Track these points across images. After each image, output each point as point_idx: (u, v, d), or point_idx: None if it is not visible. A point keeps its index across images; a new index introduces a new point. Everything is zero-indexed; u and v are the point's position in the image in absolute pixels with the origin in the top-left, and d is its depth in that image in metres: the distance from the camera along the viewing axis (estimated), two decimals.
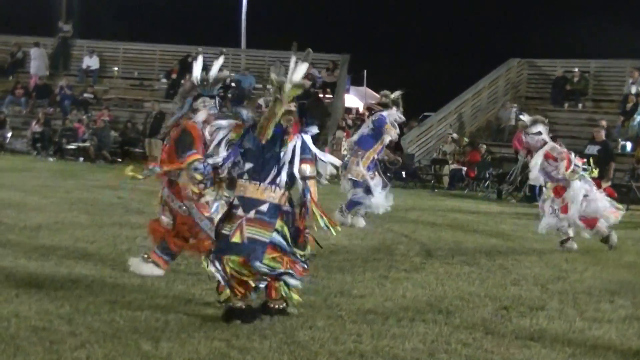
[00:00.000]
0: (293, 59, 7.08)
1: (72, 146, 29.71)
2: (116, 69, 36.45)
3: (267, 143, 7.11)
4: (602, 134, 22.94)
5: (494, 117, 31.70)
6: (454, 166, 27.60)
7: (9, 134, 31.00)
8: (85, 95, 33.19)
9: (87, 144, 29.34)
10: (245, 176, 7.16)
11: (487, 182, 25.79)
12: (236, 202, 7.18)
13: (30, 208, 13.85)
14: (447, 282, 9.48)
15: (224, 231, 7.10)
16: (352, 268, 10.07)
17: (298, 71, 7.03)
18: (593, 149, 20.99)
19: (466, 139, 29.20)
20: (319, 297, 8.23)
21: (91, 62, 35.42)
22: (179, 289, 8.19)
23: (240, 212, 7.07)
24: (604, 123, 26.15)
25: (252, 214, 7.02)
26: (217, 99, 8.77)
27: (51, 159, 28.72)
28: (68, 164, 27.32)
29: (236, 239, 6.97)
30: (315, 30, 45.72)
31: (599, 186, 13.56)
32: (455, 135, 29.33)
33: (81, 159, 29.03)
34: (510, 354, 6.55)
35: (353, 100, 39.84)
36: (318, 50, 35.64)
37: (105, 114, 30.97)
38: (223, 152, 7.25)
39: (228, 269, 6.99)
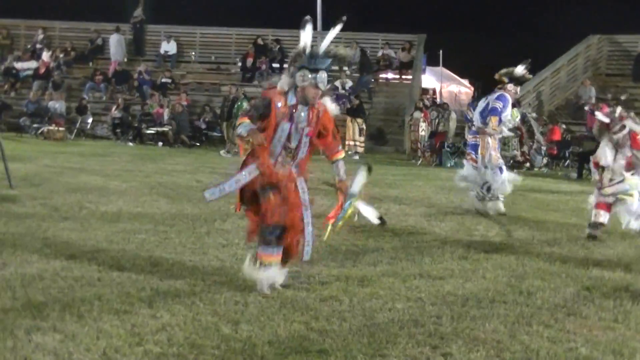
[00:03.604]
0: None
1: (151, 131, 30.02)
2: (193, 53, 36.76)
3: None
4: None
5: (574, 95, 31.23)
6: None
7: (90, 120, 31.47)
8: (164, 80, 33.53)
9: (165, 128, 29.63)
10: None
11: (567, 161, 25.46)
12: None
13: (111, 192, 14.03)
14: (528, 263, 9.37)
15: None
16: (431, 249, 10.01)
17: None
18: None
19: (545, 118, 28.82)
20: (397, 278, 8.20)
21: (169, 47, 35.77)
22: None
23: None
24: None
25: None
26: (324, 74, 7.50)
27: (131, 144, 29.08)
28: (147, 149, 27.63)
29: None
30: (391, 10, 45.57)
31: None
32: (534, 115, 28.98)
33: (160, 143, 29.31)
34: (593, 336, 6.44)
35: (429, 80, 39.66)
36: (394, 31, 35.67)
37: (184, 98, 31.24)
38: None
39: None
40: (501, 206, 13.76)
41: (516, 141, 25.68)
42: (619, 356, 5.98)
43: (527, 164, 25.56)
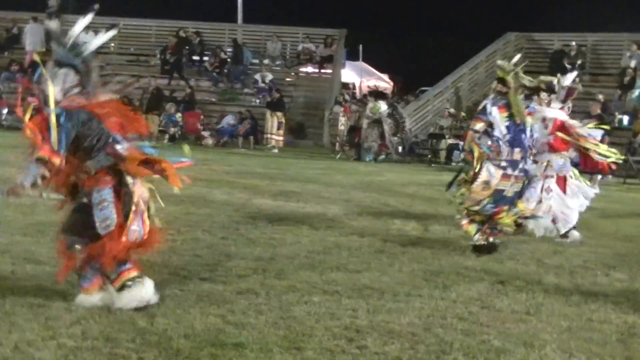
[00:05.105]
0: None
1: None
2: (112, 44, 36.32)
3: None
4: (598, 108, 22.99)
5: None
6: (450, 141, 27.61)
7: (5, 111, 30.92)
8: None
9: None
10: None
11: None
12: None
13: None
14: (444, 257, 9.48)
15: None
16: (349, 243, 10.07)
17: None
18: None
19: (464, 114, 29.15)
20: (315, 272, 8.23)
21: (87, 38, 35.27)
22: (175, 265, 8.17)
23: None
24: (600, 97, 26.23)
25: None
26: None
27: None
28: None
29: None
30: (311, 4, 45.60)
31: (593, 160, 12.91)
32: (452, 110, 29.33)
33: None
34: (506, 328, 6.54)
35: (349, 75, 39.82)
36: (315, 25, 35.73)
37: None
38: None
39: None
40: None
41: (375, 133, 26.27)
42: (530, 348, 6.07)
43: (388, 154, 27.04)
